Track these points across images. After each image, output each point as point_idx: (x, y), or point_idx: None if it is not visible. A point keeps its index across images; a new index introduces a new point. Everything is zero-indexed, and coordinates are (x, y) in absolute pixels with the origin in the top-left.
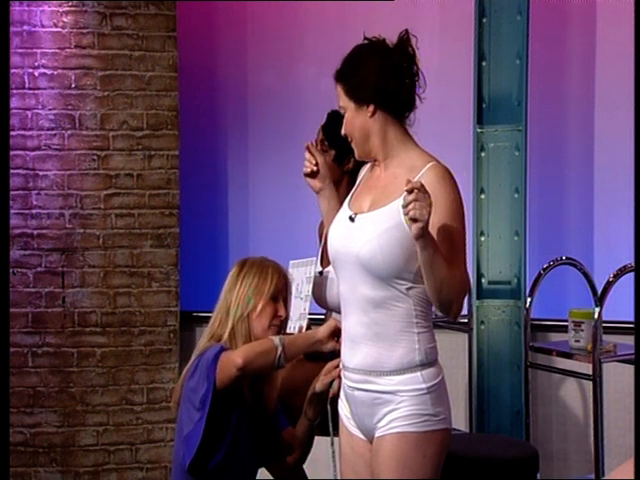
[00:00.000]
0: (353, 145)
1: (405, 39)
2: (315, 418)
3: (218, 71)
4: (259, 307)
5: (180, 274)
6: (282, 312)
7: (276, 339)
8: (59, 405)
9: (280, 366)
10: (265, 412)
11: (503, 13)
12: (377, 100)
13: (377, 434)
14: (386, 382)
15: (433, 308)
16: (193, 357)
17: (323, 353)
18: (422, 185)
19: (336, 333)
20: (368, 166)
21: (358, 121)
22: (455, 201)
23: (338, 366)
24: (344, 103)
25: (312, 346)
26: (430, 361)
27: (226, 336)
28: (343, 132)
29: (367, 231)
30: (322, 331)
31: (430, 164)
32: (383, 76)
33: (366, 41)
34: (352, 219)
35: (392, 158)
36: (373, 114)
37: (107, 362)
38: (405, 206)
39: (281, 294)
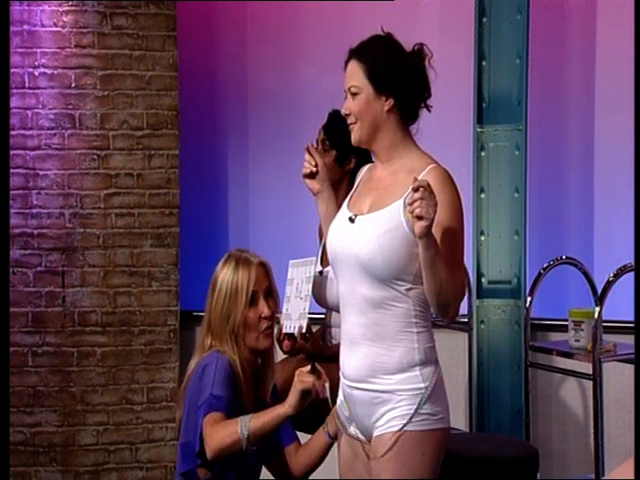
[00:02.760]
0: (355, 127)
1: (418, 51)
2: (335, 435)
3: (218, 71)
4: (238, 321)
5: (180, 273)
6: (265, 311)
7: (242, 427)
8: (59, 405)
9: (248, 450)
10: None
11: (503, 13)
12: (398, 97)
13: (375, 433)
14: (385, 382)
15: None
16: (193, 364)
17: (324, 353)
18: (429, 184)
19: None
20: (367, 167)
21: (373, 109)
22: (455, 204)
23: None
24: (360, 83)
25: (282, 421)
26: (429, 360)
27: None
28: (347, 111)
29: (367, 232)
30: (290, 401)
31: (430, 166)
32: (408, 77)
33: (387, 34)
34: (352, 220)
35: (394, 160)
36: (390, 110)
37: (107, 362)
38: (411, 203)
39: (258, 293)
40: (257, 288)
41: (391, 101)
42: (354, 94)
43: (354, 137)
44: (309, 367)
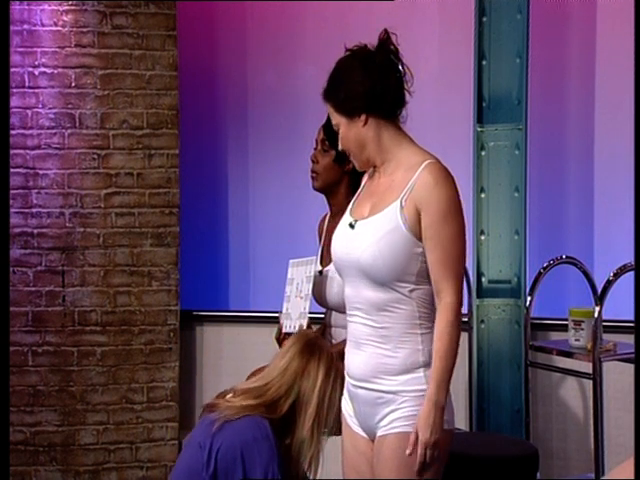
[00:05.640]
0: (352, 158)
1: (385, 39)
2: None
3: (218, 71)
4: (329, 423)
5: (180, 273)
6: None
7: None
8: (59, 404)
9: None
10: None
11: (503, 12)
12: (367, 108)
13: (379, 433)
14: (389, 382)
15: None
16: (241, 412)
17: None
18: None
19: None
20: (370, 170)
21: (352, 133)
22: (451, 200)
23: None
24: (336, 120)
25: None
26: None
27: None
28: (340, 148)
29: (367, 237)
30: None
31: (427, 162)
32: (369, 82)
33: (348, 52)
34: (352, 226)
35: (389, 161)
36: (365, 122)
37: (107, 361)
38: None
39: None
40: None
41: (363, 116)
42: (338, 130)
43: (357, 166)
44: None
